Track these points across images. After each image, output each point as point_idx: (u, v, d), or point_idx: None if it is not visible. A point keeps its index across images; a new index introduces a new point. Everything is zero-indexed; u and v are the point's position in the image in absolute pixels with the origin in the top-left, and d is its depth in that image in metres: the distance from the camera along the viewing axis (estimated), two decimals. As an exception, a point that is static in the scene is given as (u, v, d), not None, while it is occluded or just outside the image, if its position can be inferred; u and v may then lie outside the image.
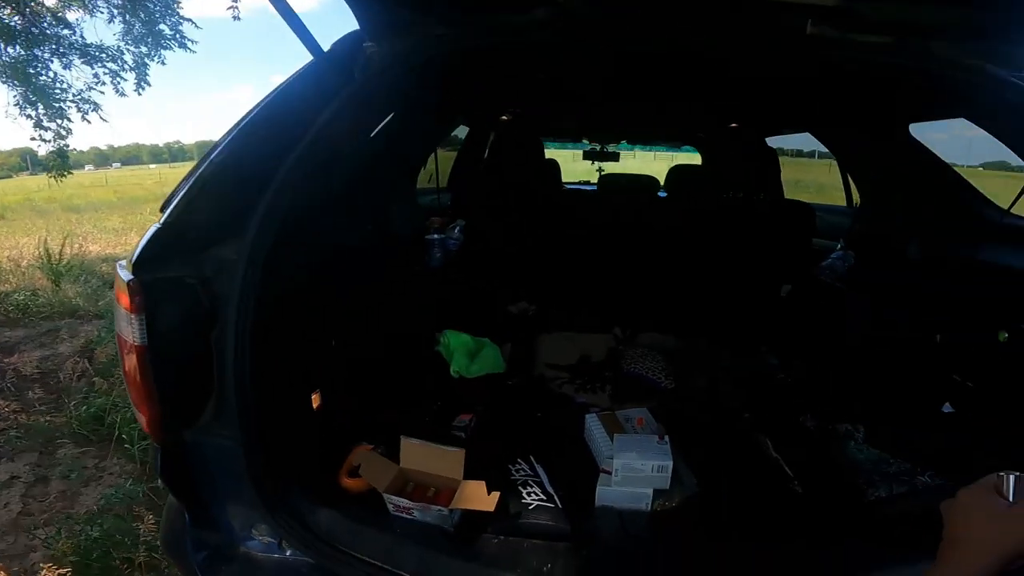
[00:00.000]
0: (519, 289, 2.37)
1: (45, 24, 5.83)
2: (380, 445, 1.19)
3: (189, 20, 6.69)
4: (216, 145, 1.03)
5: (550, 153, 3.56)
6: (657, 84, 2.14)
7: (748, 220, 2.34)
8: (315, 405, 1.22)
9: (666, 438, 1.16)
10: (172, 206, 0.96)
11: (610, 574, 0.92)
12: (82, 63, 6.18)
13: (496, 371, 1.72)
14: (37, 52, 5.80)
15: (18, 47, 5.63)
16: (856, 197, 2.72)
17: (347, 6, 1.14)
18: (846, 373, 1.57)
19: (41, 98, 5.82)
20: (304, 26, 1.09)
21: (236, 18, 5.24)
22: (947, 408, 1.27)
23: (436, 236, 2.05)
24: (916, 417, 1.28)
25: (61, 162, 6.22)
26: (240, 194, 0.98)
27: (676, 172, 3.69)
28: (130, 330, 0.91)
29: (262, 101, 1.11)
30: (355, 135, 1.19)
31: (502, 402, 1.47)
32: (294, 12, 1.03)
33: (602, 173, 2.74)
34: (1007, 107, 1.02)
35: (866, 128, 2.09)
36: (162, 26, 6.49)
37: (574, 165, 4.53)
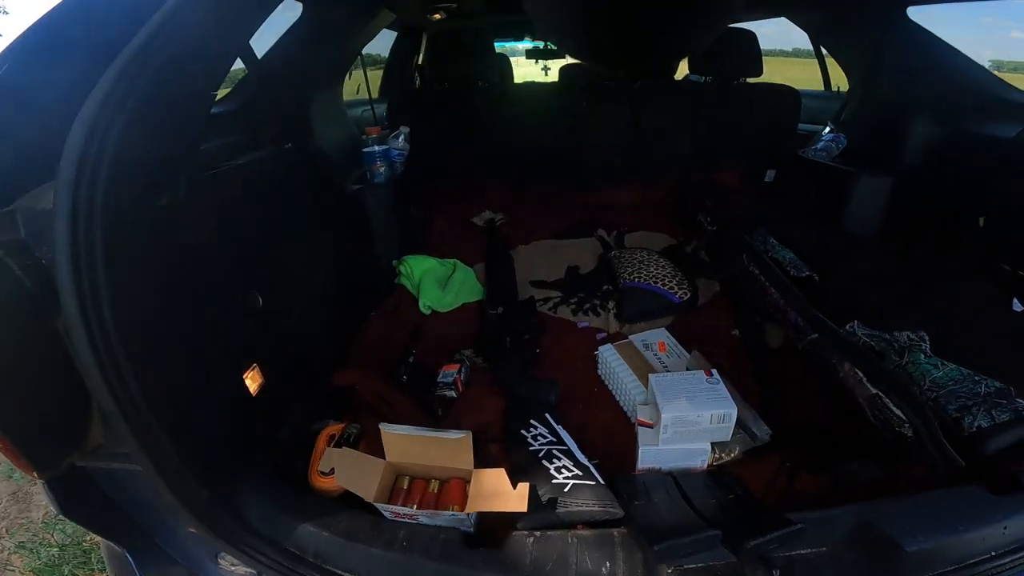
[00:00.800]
0: (481, 197, 2.06)
1: None
2: (352, 423, 0.91)
3: None
4: None
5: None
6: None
7: (728, 103, 2.06)
8: (253, 388, 0.90)
9: (715, 373, 0.93)
10: None
11: (694, 564, 0.72)
12: None
13: (474, 299, 1.43)
14: None
15: None
16: (836, 83, 2.51)
17: None
18: (870, 265, 1.39)
19: None
20: None
21: None
22: (1018, 306, 1.11)
23: (376, 148, 1.65)
24: (981, 315, 1.12)
25: None
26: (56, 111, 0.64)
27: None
28: None
29: None
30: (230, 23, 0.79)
31: (491, 341, 1.20)
32: None
33: (564, 66, 2.38)
34: None
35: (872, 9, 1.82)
36: None
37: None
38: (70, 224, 0.61)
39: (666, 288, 1.39)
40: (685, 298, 1.38)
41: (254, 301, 0.97)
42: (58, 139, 0.63)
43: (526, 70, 4.34)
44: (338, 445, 0.88)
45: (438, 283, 1.44)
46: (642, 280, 1.42)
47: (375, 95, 2.68)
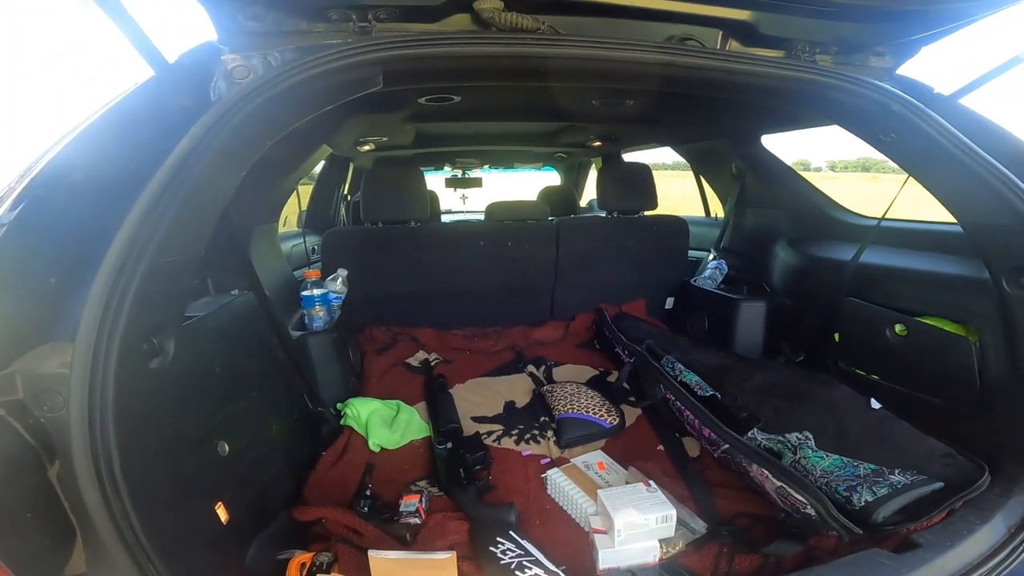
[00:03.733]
0: (415, 339, 2.23)
1: None
2: (322, 551, 0.98)
3: None
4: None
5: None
6: (531, 106, 2.21)
7: (628, 236, 2.48)
8: (224, 519, 0.97)
9: (651, 483, 1.13)
10: None
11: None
12: None
13: (421, 436, 1.56)
14: None
15: None
16: (713, 208, 3.10)
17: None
18: (760, 381, 1.71)
19: None
20: (140, 29, 0.92)
21: None
22: (875, 404, 1.44)
23: (316, 292, 1.78)
24: (849, 414, 1.43)
25: None
26: (47, 278, 0.79)
27: (547, 194, 3.83)
28: None
29: (77, 130, 0.92)
30: (217, 175, 0.98)
31: (447, 473, 1.32)
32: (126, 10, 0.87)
33: (491, 204, 2.72)
34: (876, 112, 1.19)
35: (731, 141, 2.37)
36: None
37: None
38: (87, 390, 0.72)
39: (597, 416, 1.61)
40: (615, 423, 1.60)
41: (221, 449, 1.05)
42: (56, 298, 0.77)
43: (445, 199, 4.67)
44: (311, 573, 0.94)
45: (384, 423, 1.55)
46: (575, 411, 1.63)
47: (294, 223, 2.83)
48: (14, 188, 0.86)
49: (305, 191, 3.11)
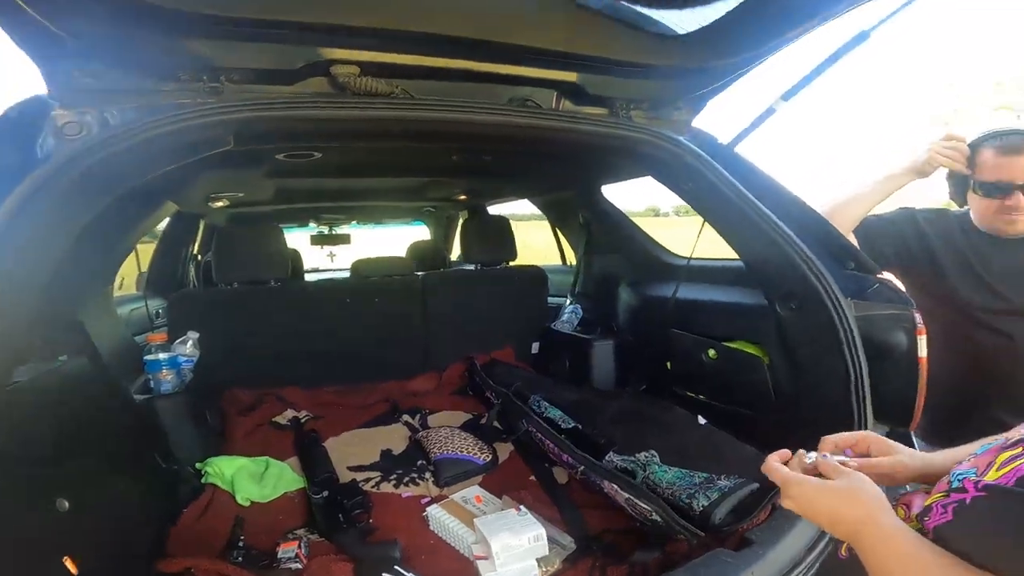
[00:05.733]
0: (282, 398, 2.18)
1: None
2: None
3: None
4: None
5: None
6: (395, 162, 2.34)
7: (492, 287, 2.67)
8: (73, 571, 0.95)
9: (522, 508, 1.25)
10: None
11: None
12: None
13: (295, 488, 1.56)
14: None
15: None
16: (569, 256, 3.43)
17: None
18: (613, 410, 1.94)
19: None
20: None
21: None
22: (702, 420, 1.71)
23: (162, 356, 1.71)
24: (683, 432, 1.69)
25: None
26: None
27: (416, 250, 3.95)
28: None
29: None
30: (46, 237, 0.96)
31: (324, 518, 1.34)
32: None
33: (356, 261, 2.74)
34: (675, 164, 1.45)
35: (576, 192, 2.68)
36: None
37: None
38: None
39: (471, 454, 1.72)
40: (488, 459, 1.72)
41: (60, 505, 1.03)
42: None
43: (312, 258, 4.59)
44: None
45: (253, 478, 1.53)
46: (450, 451, 1.73)
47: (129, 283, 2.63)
48: None
49: (145, 251, 2.91)
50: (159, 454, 1.50)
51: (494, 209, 3.82)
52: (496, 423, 2.01)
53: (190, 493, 1.48)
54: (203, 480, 1.53)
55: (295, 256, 2.93)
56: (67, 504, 1.03)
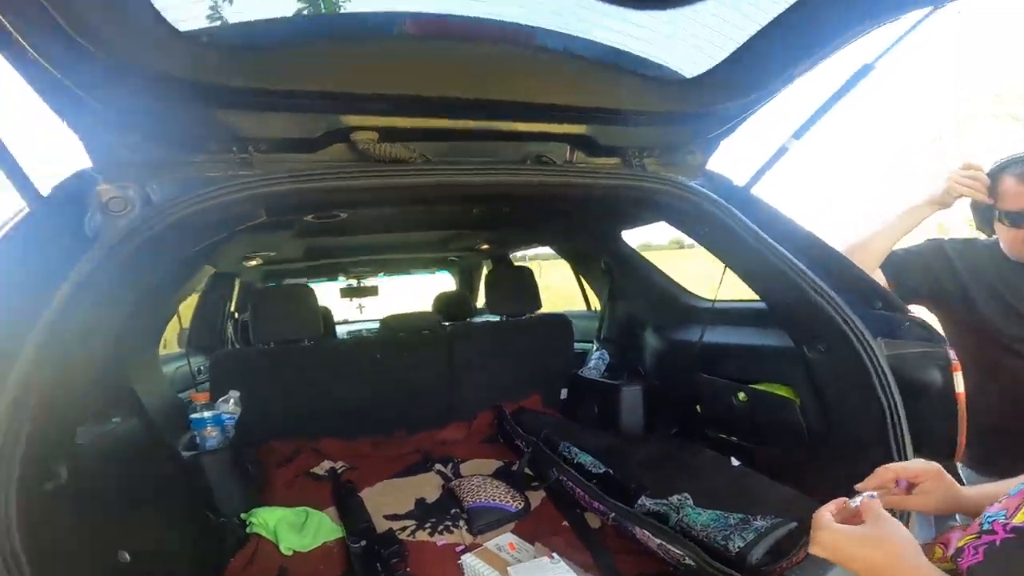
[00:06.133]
0: (318, 451, 2.24)
1: None
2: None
3: None
4: None
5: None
6: (418, 218, 2.45)
7: (517, 337, 2.71)
8: None
9: (555, 555, 1.26)
10: None
11: None
12: None
13: (334, 537, 1.60)
14: None
15: None
16: (593, 301, 3.46)
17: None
18: (644, 454, 1.94)
19: None
20: (13, 158, 0.98)
21: None
22: (735, 462, 1.70)
23: (206, 415, 1.81)
24: (716, 474, 1.68)
25: None
26: None
27: (442, 301, 4.03)
28: None
29: None
30: (100, 315, 1.02)
31: (363, 569, 1.38)
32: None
33: (384, 319, 2.83)
34: (691, 210, 1.46)
35: (596, 239, 2.71)
36: None
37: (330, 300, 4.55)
38: None
39: (504, 502, 1.74)
40: (520, 507, 1.73)
41: (122, 557, 1.09)
42: None
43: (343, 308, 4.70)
44: None
45: (293, 528, 1.58)
46: (483, 500, 1.75)
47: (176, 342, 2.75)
48: None
49: (186, 308, 3.05)
50: (207, 507, 1.58)
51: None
52: (527, 470, 2.02)
53: (236, 543, 1.54)
54: (248, 530, 1.58)
55: (326, 313, 3.05)
56: (127, 556, 1.09)
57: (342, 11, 1.16)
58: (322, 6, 1.19)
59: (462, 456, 2.22)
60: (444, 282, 4.88)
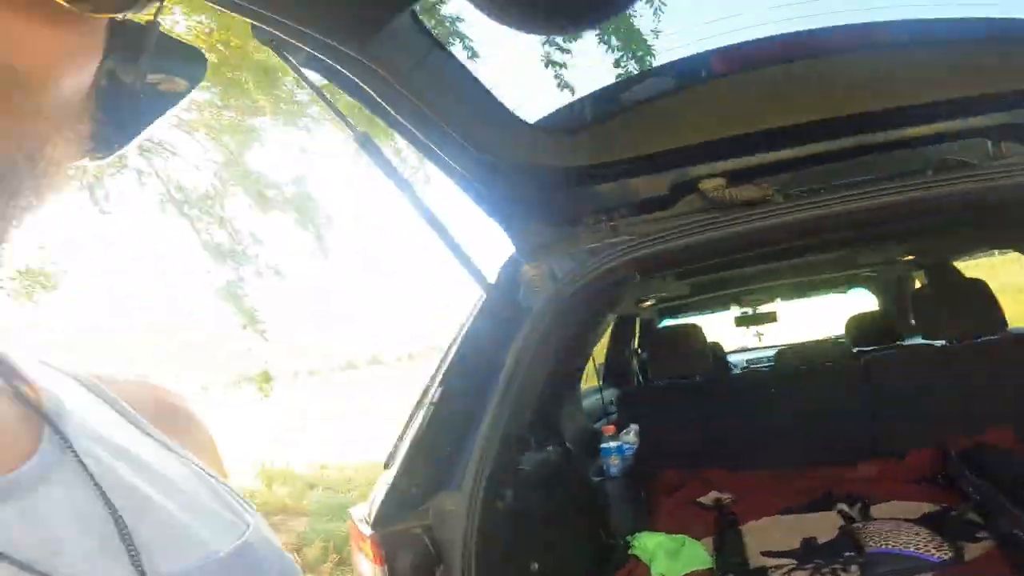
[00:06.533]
0: (707, 480, 2.31)
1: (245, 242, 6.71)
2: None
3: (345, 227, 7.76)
4: (419, 403, 1.31)
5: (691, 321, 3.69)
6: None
7: (971, 367, 2.12)
8: None
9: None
10: (396, 467, 1.23)
11: None
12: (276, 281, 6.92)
13: (704, 567, 1.64)
14: (243, 272, 6.56)
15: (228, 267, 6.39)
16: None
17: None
18: None
19: (250, 322, 6.52)
20: (469, 259, 1.31)
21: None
22: None
23: (612, 445, 2.16)
24: None
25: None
26: (446, 450, 1.22)
27: (857, 324, 3.48)
28: None
29: (450, 352, 1.36)
30: (541, 363, 1.29)
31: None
32: (457, 244, 1.27)
33: (780, 351, 2.73)
34: None
35: None
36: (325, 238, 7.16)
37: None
38: (464, 521, 1.12)
39: (922, 551, 1.43)
40: (946, 558, 1.39)
41: (532, 567, 1.37)
42: (449, 463, 1.19)
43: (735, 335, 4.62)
44: None
45: (668, 554, 1.68)
46: (892, 546, 1.48)
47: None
48: (426, 399, 1.28)
49: (600, 346, 3.60)
50: (602, 528, 1.82)
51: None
52: (973, 515, 1.61)
53: (617, 563, 1.73)
54: (628, 551, 1.77)
55: (716, 347, 3.17)
56: (536, 566, 1.36)
57: (658, 62, 1.26)
58: (646, 60, 1.30)
59: (878, 496, 1.90)
60: (862, 301, 4.24)
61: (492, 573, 1.15)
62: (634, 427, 2.37)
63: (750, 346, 4.71)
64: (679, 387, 2.51)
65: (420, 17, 1.03)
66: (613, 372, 3.49)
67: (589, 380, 3.24)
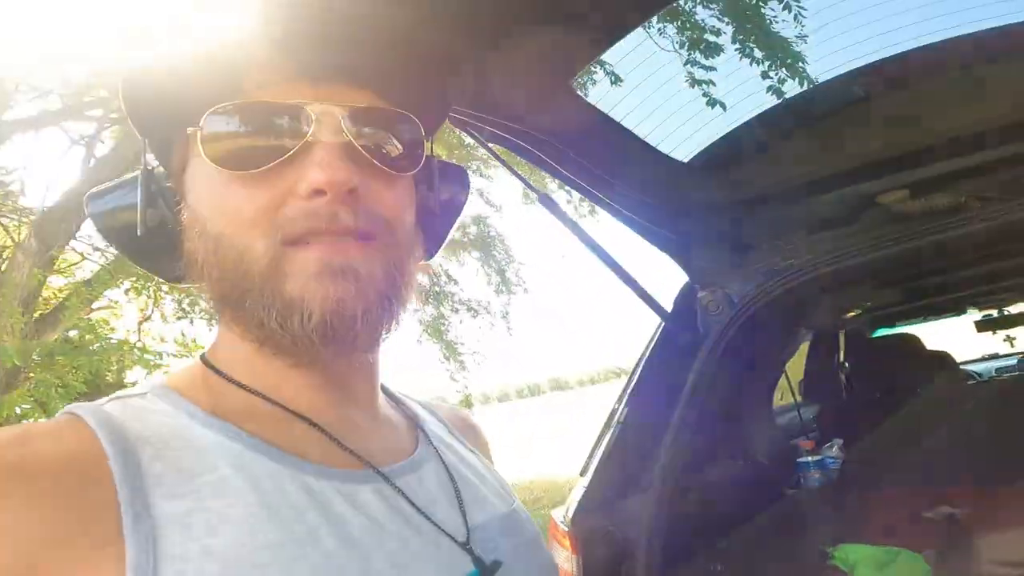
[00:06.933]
0: (937, 494, 2.09)
1: (443, 283, 7.45)
2: None
3: (525, 264, 8.21)
4: (613, 413, 1.46)
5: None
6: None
7: None
8: None
9: None
10: (591, 473, 1.39)
11: None
12: (469, 317, 7.74)
13: None
14: (443, 310, 7.35)
15: (430, 306, 7.14)
16: None
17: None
18: None
19: (452, 354, 7.22)
20: (645, 291, 1.40)
21: (563, 256, 6.77)
22: None
23: (810, 459, 2.13)
24: None
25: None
26: (634, 460, 1.37)
27: None
28: (570, 566, 1.31)
29: (635, 374, 1.49)
30: (723, 381, 1.38)
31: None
32: (633, 279, 1.36)
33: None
34: None
35: None
36: (508, 274, 7.93)
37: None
38: (650, 524, 1.26)
39: None
40: None
41: (715, 567, 1.49)
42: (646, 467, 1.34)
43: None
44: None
45: (876, 566, 1.62)
46: None
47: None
48: (617, 413, 1.45)
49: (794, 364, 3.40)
50: (797, 538, 1.81)
51: None
52: None
53: (810, 572, 1.71)
54: (828, 561, 1.72)
55: (943, 356, 2.79)
56: (719, 567, 1.45)
57: (811, 80, 1.25)
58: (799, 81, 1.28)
59: None
60: None
61: (674, 570, 1.27)
62: (838, 441, 2.30)
63: (1002, 352, 4.04)
64: (895, 399, 2.37)
65: (577, 91, 1.21)
66: (814, 387, 3.29)
67: (785, 397, 3.10)
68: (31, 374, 4.16)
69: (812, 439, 2.37)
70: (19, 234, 4.65)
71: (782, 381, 3.05)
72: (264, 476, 0.41)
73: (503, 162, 1.69)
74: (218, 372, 0.48)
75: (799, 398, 3.18)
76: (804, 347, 3.39)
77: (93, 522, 0.36)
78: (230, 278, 0.43)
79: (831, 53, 1.23)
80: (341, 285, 0.42)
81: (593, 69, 1.24)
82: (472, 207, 8.80)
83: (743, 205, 1.43)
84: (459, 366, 7.25)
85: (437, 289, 7.41)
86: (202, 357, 0.50)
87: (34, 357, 4.09)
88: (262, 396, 0.46)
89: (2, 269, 4.43)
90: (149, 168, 0.48)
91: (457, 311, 7.63)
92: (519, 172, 1.58)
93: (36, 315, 4.57)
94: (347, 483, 0.44)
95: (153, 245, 0.48)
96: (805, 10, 1.31)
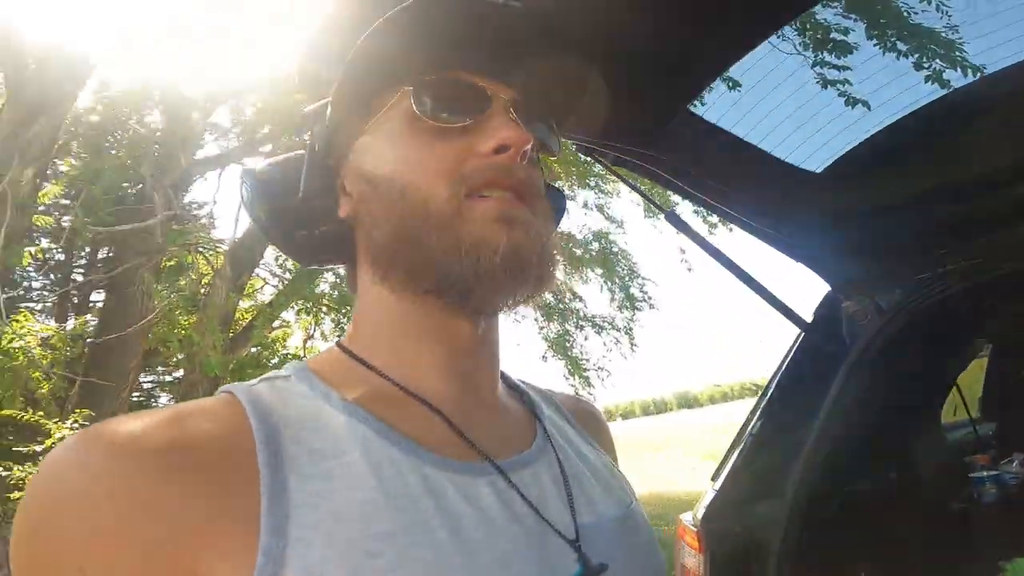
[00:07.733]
0: None
1: (567, 299, 7.40)
2: None
3: (650, 280, 7.88)
4: (748, 420, 1.48)
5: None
6: None
7: None
8: None
9: None
10: (722, 478, 1.41)
11: None
12: (594, 333, 7.59)
13: None
14: (568, 326, 7.31)
15: (555, 323, 7.17)
16: None
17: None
18: None
19: (576, 370, 7.17)
20: (783, 303, 1.40)
21: (689, 269, 6.81)
22: None
23: (985, 474, 1.98)
24: None
25: None
26: (769, 466, 1.37)
27: None
28: (695, 563, 1.34)
29: (772, 384, 1.49)
30: (872, 391, 1.34)
31: None
32: (768, 291, 1.37)
33: None
34: None
35: None
36: (632, 289, 7.67)
37: None
38: (783, 530, 1.26)
39: None
40: None
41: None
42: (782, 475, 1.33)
43: None
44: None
45: None
46: None
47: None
48: (752, 422, 1.46)
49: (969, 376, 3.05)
50: (963, 551, 1.73)
51: None
52: None
53: None
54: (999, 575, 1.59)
55: None
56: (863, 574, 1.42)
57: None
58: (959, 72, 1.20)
59: None
60: None
61: (809, 574, 1.25)
62: (1019, 456, 2.11)
63: None
64: None
65: (694, 113, 1.25)
66: (995, 401, 2.93)
67: (959, 412, 2.79)
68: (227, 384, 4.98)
69: (988, 455, 2.18)
70: (217, 262, 5.48)
71: (955, 396, 2.77)
72: (387, 463, 0.42)
73: (632, 185, 1.77)
74: (352, 355, 0.50)
75: (976, 414, 2.86)
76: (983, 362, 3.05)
77: (236, 501, 0.38)
78: (411, 223, 0.46)
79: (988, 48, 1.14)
80: (519, 231, 0.46)
81: (715, 87, 1.26)
82: (594, 223, 8.74)
83: (887, 211, 1.36)
84: (583, 382, 7.23)
85: (562, 306, 7.46)
86: (338, 343, 0.53)
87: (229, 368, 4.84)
88: (392, 381, 0.48)
89: (205, 294, 5.30)
90: (313, 145, 0.53)
91: (582, 327, 7.62)
92: (643, 190, 1.64)
93: (230, 333, 5.40)
94: (463, 475, 0.45)
95: (301, 222, 0.53)
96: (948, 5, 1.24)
